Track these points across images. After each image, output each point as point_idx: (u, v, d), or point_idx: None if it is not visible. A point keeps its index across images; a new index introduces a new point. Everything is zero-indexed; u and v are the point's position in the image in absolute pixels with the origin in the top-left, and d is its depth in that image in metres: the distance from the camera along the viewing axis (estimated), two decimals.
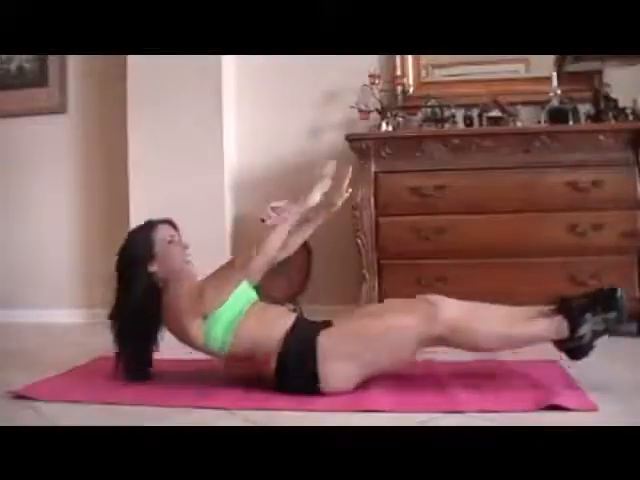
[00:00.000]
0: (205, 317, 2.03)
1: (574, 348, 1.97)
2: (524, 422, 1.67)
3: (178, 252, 2.21)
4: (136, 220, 3.48)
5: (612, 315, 1.95)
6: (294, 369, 1.97)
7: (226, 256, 3.48)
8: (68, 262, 3.92)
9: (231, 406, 1.90)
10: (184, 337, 2.09)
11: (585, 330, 1.93)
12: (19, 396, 2.04)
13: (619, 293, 1.96)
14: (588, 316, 1.94)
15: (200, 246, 3.42)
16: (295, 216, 2.12)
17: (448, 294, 2.06)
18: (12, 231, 3.99)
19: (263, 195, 3.53)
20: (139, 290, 2.11)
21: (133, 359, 2.20)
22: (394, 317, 1.99)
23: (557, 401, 1.80)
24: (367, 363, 1.97)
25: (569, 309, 1.97)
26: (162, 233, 2.21)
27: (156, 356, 2.72)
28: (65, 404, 1.98)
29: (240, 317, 2.06)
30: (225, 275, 2.06)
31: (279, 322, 2.06)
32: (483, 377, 2.13)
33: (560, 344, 1.99)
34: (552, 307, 2.03)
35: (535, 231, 2.98)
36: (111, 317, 2.18)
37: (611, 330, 1.97)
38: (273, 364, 2.00)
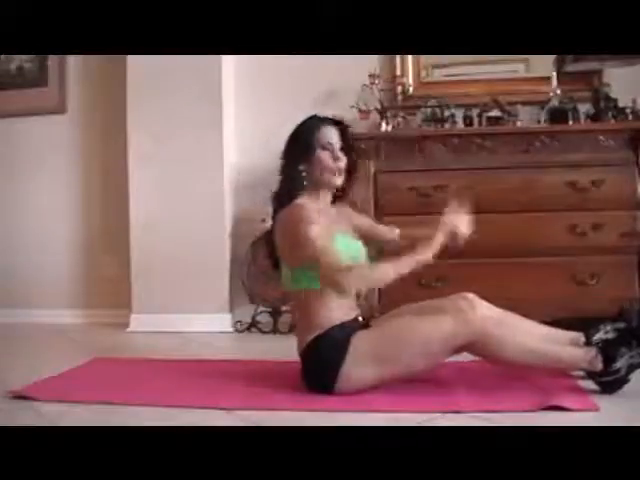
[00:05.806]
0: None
1: (608, 381, 1.93)
2: (524, 422, 1.67)
3: (327, 162, 2.09)
4: (136, 220, 3.51)
5: None
6: (319, 363, 1.97)
7: (226, 256, 3.49)
8: (68, 262, 3.92)
9: (231, 406, 1.91)
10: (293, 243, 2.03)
11: (621, 364, 1.90)
12: (19, 396, 2.04)
13: None
14: (624, 350, 1.91)
15: (200, 246, 3.47)
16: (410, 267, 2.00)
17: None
18: (12, 231, 3.98)
19: (263, 195, 3.52)
20: (285, 184, 2.12)
21: None
22: (430, 320, 1.95)
23: (557, 402, 1.80)
24: (394, 371, 1.95)
25: (604, 344, 1.94)
26: (323, 137, 2.11)
27: (156, 356, 2.73)
28: (65, 404, 1.97)
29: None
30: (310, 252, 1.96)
31: (346, 312, 2.03)
32: (483, 377, 2.13)
33: (594, 376, 1.96)
34: (582, 336, 2.01)
35: (535, 231, 2.97)
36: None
37: None
38: (303, 345, 2.00)
